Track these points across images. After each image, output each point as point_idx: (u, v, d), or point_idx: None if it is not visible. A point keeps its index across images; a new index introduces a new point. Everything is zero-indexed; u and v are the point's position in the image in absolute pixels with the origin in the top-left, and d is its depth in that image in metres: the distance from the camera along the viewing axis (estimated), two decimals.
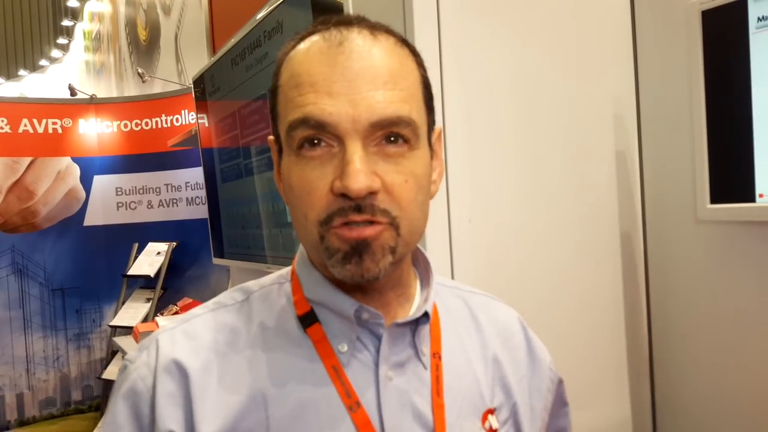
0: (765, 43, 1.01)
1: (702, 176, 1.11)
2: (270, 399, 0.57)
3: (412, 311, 0.63)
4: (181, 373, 0.58)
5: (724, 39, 1.06)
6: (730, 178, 1.07)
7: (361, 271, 0.55)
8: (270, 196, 1.77)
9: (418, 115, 0.57)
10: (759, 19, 1.01)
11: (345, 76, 0.54)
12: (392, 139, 0.55)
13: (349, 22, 0.58)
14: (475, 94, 1.14)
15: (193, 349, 0.60)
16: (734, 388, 1.21)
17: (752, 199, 1.04)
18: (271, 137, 0.64)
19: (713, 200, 1.10)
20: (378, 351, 0.60)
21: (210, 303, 0.66)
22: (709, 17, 1.08)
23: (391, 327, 0.60)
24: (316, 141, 0.55)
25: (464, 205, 1.12)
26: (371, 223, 0.54)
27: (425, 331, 0.63)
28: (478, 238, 1.14)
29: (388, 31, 0.59)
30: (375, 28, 0.58)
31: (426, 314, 0.62)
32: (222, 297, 0.66)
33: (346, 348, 0.59)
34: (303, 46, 0.58)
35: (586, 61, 1.28)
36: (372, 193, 0.53)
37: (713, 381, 1.25)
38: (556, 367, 0.75)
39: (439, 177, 0.64)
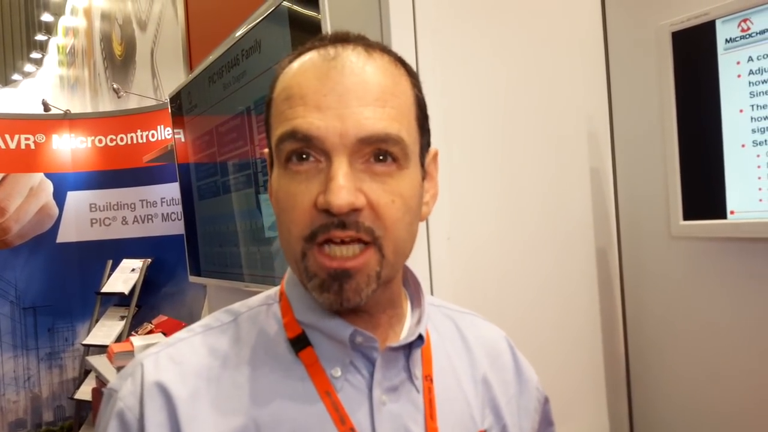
0: (733, 64, 1.04)
1: (675, 194, 1.13)
2: (262, 427, 0.56)
3: (404, 334, 0.62)
4: (169, 401, 0.56)
5: (694, 59, 1.09)
6: (702, 196, 1.10)
7: (341, 300, 0.54)
8: (248, 213, 1.76)
9: (409, 135, 0.56)
10: (727, 41, 1.04)
11: (335, 90, 0.54)
12: (380, 157, 0.54)
13: (346, 39, 0.58)
14: (451, 113, 1.15)
15: (179, 375, 0.57)
16: (709, 400, 1.23)
17: (724, 216, 1.06)
18: (266, 150, 0.63)
19: (686, 217, 1.12)
20: (371, 375, 0.58)
21: (196, 326, 0.64)
22: (679, 38, 1.10)
23: (385, 351, 0.59)
24: (304, 155, 0.54)
25: (443, 222, 1.13)
26: (363, 244, 0.53)
27: (418, 353, 0.62)
28: (457, 255, 1.14)
29: (384, 49, 0.59)
30: (371, 46, 0.58)
31: (420, 337, 0.61)
32: (208, 319, 0.64)
33: (339, 373, 0.58)
34: (298, 60, 0.58)
35: (560, 80, 1.30)
36: (355, 210, 0.52)
37: (689, 393, 1.27)
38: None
39: (432, 199, 0.63)
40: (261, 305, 0.64)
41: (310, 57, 0.56)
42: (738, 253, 1.15)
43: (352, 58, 0.55)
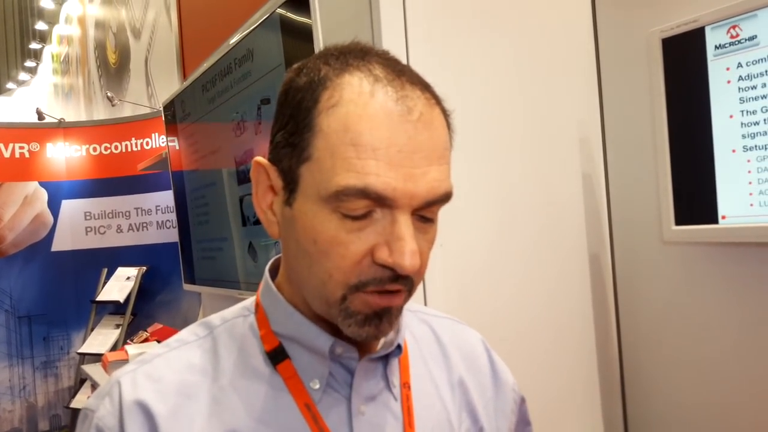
0: (723, 70, 1.05)
1: (666, 199, 1.13)
2: None
3: (382, 342, 0.62)
4: (150, 419, 0.55)
5: (684, 66, 1.10)
6: (693, 201, 1.10)
7: (378, 333, 0.54)
8: (242, 221, 1.75)
9: None
10: (716, 47, 1.05)
11: (408, 146, 0.51)
12: (429, 214, 0.54)
13: (399, 71, 0.54)
14: None
15: (158, 392, 0.57)
16: (702, 403, 1.23)
17: (715, 221, 1.07)
18: (262, 160, 0.58)
19: (678, 222, 1.12)
20: (350, 386, 0.58)
21: (171, 341, 0.63)
22: (669, 45, 1.11)
23: (363, 361, 0.59)
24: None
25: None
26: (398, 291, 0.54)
27: (396, 362, 0.63)
28: (450, 262, 1.15)
29: (434, 93, 0.56)
30: (428, 89, 0.55)
31: (398, 346, 0.61)
32: (183, 334, 0.64)
33: (318, 385, 0.58)
34: (357, 94, 0.52)
35: (551, 87, 1.30)
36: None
37: (682, 397, 1.27)
38: (522, 387, 0.75)
39: None
40: (237, 317, 0.63)
41: (378, 98, 0.51)
42: (730, 257, 1.15)
43: (423, 110, 0.52)
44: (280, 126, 0.56)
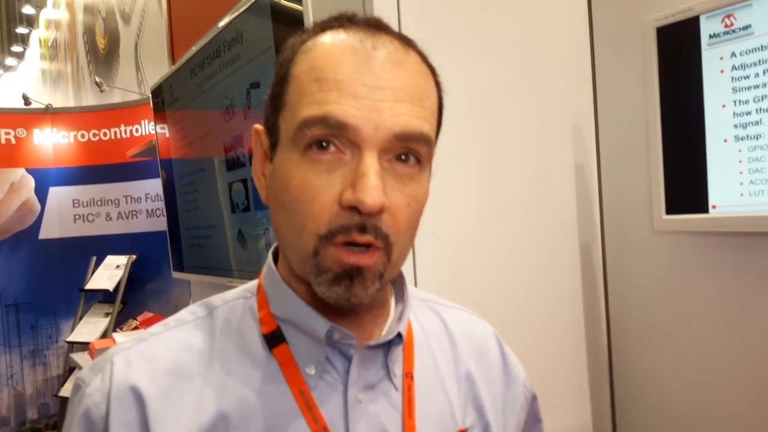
0: (717, 60, 1.04)
1: (658, 188, 1.13)
2: (233, 425, 0.54)
3: (385, 331, 0.60)
4: (138, 400, 0.54)
5: (678, 55, 1.09)
6: (684, 190, 1.10)
7: (349, 295, 0.52)
8: (231, 208, 1.74)
9: (434, 137, 0.55)
10: (711, 36, 1.05)
11: (373, 81, 0.51)
12: (403, 157, 0.52)
13: (377, 26, 0.55)
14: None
15: (150, 372, 0.56)
16: (691, 392, 1.24)
17: (705, 210, 1.07)
18: (258, 126, 0.59)
19: (669, 211, 1.12)
20: (347, 373, 0.57)
21: (170, 320, 0.62)
22: (663, 34, 1.10)
23: (362, 348, 0.57)
24: (325, 143, 0.51)
25: (427, 218, 1.12)
26: (369, 246, 0.51)
27: (398, 351, 0.61)
28: (441, 250, 1.14)
29: (415, 46, 0.56)
30: (406, 40, 0.55)
31: (399, 335, 0.60)
32: (183, 313, 0.63)
33: (314, 371, 0.56)
34: (328, 39, 0.53)
35: (545, 75, 1.30)
36: (379, 213, 0.50)
37: (671, 386, 1.28)
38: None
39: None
40: (238, 299, 0.62)
41: (345, 40, 0.53)
42: (719, 247, 1.15)
43: (392, 50, 0.53)
44: (270, 88, 0.57)
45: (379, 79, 0.51)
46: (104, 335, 3.31)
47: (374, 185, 0.49)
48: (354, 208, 0.50)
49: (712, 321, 1.19)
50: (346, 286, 0.51)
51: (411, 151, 0.52)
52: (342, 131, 0.50)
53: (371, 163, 0.50)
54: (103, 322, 3.45)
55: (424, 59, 0.57)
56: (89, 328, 3.47)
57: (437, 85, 0.58)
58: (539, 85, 1.29)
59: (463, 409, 0.64)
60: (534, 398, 0.74)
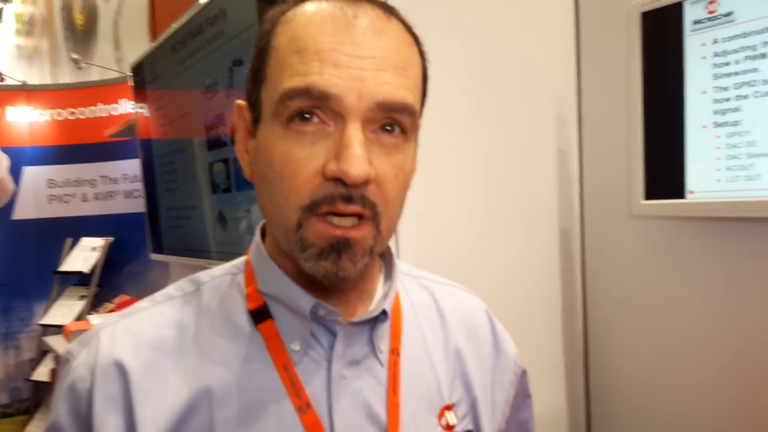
0: (699, 46, 1.05)
1: (636, 173, 1.14)
2: (216, 400, 0.54)
3: (372, 308, 0.60)
4: (122, 375, 0.54)
5: (661, 40, 1.10)
6: (663, 176, 1.11)
7: (337, 270, 0.51)
8: (212, 189, 1.72)
9: (419, 108, 0.55)
10: (694, 22, 1.06)
11: (355, 50, 0.50)
12: (388, 128, 0.51)
13: None
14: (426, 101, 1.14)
15: (135, 347, 0.56)
16: (666, 378, 1.26)
17: (683, 196, 1.08)
18: (240, 102, 0.58)
19: (647, 196, 1.13)
20: (332, 349, 0.57)
21: (158, 295, 0.62)
22: (648, 19, 1.11)
23: (347, 325, 0.57)
24: (308, 115, 0.50)
25: (411, 200, 1.12)
26: (359, 218, 0.51)
27: (385, 327, 0.61)
28: (424, 232, 1.14)
29: (398, 14, 0.56)
30: (387, 8, 0.54)
31: (384, 312, 0.59)
32: (170, 288, 0.62)
33: (299, 347, 0.56)
34: (308, 9, 0.53)
35: (530, 61, 1.30)
36: (365, 183, 0.50)
37: (644, 368, 1.30)
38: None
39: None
40: (225, 275, 0.62)
41: (325, 9, 0.52)
42: (696, 232, 1.17)
43: (374, 18, 0.52)
44: (251, 61, 0.56)
45: (361, 47, 0.50)
46: (79, 319, 3.26)
47: (359, 155, 0.48)
48: (339, 180, 0.49)
49: (688, 306, 1.21)
50: (334, 260, 0.51)
51: (395, 122, 0.52)
52: (325, 102, 0.49)
53: (355, 133, 0.49)
54: (78, 305, 3.40)
55: (407, 28, 0.56)
56: (63, 311, 3.41)
57: (421, 54, 0.57)
58: (524, 72, 1.29)
59: (451, 384, 0.64)
60: (524, 374, 0.74)
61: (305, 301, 0.56)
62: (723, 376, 1.16)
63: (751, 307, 1.11)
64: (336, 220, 0.50)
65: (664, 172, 1.11)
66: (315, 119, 0.50)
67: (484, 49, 1.23)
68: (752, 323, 1.11)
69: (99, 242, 3.47)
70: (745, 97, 1.00)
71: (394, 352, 0.60)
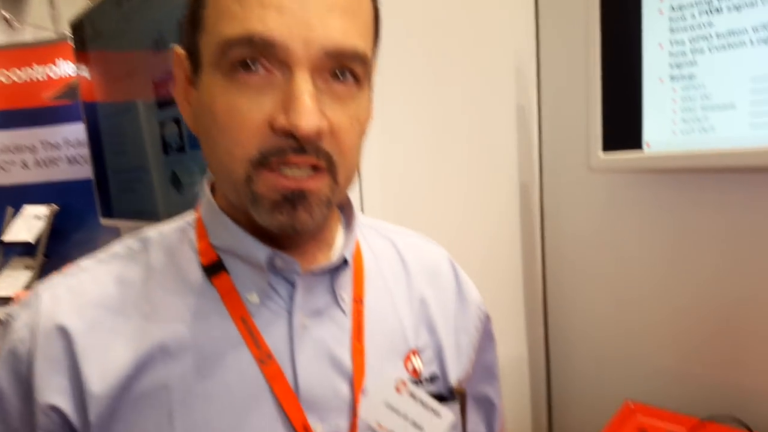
0: (656, 2, 1.06)
1: (595, 126, 1.16)
2: (169, 355, 0.53)
3: (333, 257, 0.59)
4: (64, 335, 0.52)
5: None
6: (620, 128, 1.13)
7: (293, 222, 0.49)
8: (164, 149, 1.66)
9: (371, 53, 0.52)
10: None
11: None
12: (340, 75, 0.49)
13: None
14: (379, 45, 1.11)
15: (78, 307, 0.53)
16: (619, 322, 1.32)
17: (639, 147, 1.11)
18: (179, 49, 0.55)
19: (605, 148, 1.16)
20: (292, 299, 0.56)
21: (102, 253, 0.59)
22: None
23: (306, 274, 0.56)
24: (252, 64, 0.47)
25: (373, 156, 1.11)
26: (315, 168, 0.49)
27: (346, 276, 0.60)
28: (386, 187, 1.14)
29: None
30: None
31: (345, 261, 0.59)
32: (117, 246, 0.60)
33: (257, 298, 0.55)
34: None
35: (488, 15, 1.29)
36: (318, 136, 0.47)
37: (601, 316, 1.35)
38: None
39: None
40: (175, 231, 0.60)
41: None
42: (653, 184, 1.21)
43: None
44: (187, 5, 0.52)
45: None
46: (28, 288, 3.15)
47: (309, 108, 0.46)
48: (289, 134, 0.47)
49: (645, 257, 1.25)
50: (289, 213, 0.49)
51: (346, 69, 0.49)
52: (269, 50, 0.46)
53: (304, 84, 0.46)
54: (24, 275, 3.27)
55: None
56: (9, 282, 3.28)
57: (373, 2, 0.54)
58: (483, 26, 1.28)
59: (416, 330, 0.64)
60: (488, 319, 0.75)
61: (261, 252, 0.54)
62: (680, 326, 1.21)
63: (703, 255, 1.16)
64: (289, 171, 0.48)
65: (622, 124, 1.13)
66: (259, 69, 0.47)
67: (441, 5, 1.21)
68: (705, 269, 1.16)
69: (43, 210, 3.33)
70: (701, 51, 1.02)
71: (358, 300, 0.60)
